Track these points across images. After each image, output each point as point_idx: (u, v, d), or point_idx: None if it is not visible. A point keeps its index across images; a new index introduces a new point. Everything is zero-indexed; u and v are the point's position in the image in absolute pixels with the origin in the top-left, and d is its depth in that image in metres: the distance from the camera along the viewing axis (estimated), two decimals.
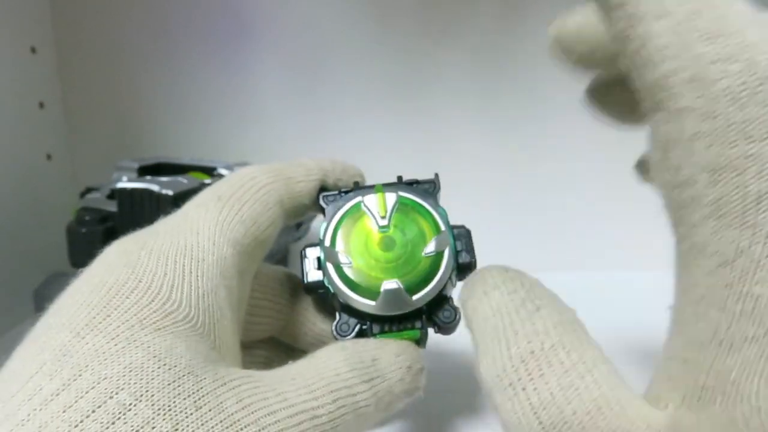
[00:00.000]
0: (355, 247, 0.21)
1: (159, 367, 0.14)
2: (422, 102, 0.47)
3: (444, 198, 0.24)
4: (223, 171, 0.38)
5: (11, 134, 0.40)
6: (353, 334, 0.21)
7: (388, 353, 0.20)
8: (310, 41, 0.46)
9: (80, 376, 0.14)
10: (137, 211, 0.32)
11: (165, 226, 0.19)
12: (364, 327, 0.21)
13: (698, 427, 0.13)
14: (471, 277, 0.19)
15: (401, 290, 0.20)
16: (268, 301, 0.23)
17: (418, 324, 0.21)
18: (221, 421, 0.14)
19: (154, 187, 0.32)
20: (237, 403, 0.15)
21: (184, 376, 0.14)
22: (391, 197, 0.22)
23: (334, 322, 0.21)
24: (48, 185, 0.44)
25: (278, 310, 0.23)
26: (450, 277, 0.21)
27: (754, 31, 0.14)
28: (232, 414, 0.15)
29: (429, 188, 0.23)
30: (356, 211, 0.22)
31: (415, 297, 0.21)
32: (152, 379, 0.14)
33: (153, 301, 0.16)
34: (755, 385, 0.12)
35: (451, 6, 0.45)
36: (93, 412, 0.13)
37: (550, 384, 0.14)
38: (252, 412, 0.15)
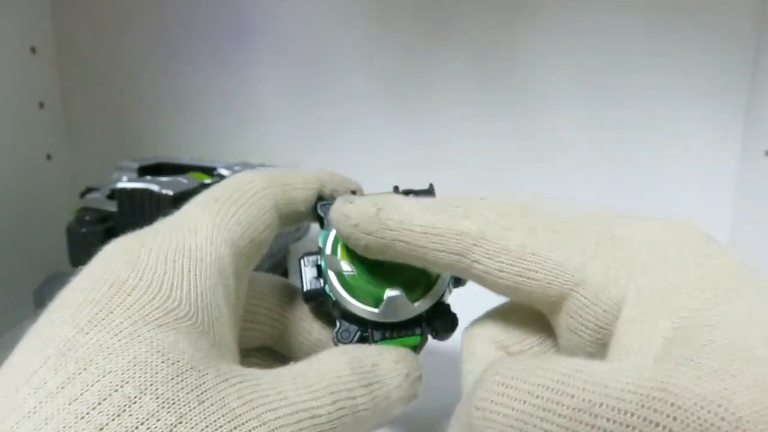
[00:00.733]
0: (356, 256, 0.21)
1: (163, 362, 0.15)
2: (422, 102, 0.47)
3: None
4: (223, 171, 0.38)
5: (11, 134, 0.40)
6: (354, 340, 0.21)
7: (388, 360, 0.20)
8: (310, 41, 0.46)
9: (85, 369, 0.14)
10: (137, 211, 0.32)
11: (163, 226, 0.19)
12: (365, 334, 0.21)
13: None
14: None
15: (403, 297, 0.21)
16: (263, 308, 0.23)
17: (417, 330, 0.22)
18: (224, 416, 0.15)
19: (154, 187, 0.32)
20: (238, 398, 0.15)
21: (187, 371, 0.15)
22: None
23: (335, 329, 0.22)
24: (48, 185, 0.44)
25: (273, 318, 0.23)
26: (448, 285, 0.22)
27: None
28: (234, 409, 0.15)
29: (424, 197, 0.23)
30: None
31: (416, 304, 0.21)
32: (156, 373, 0.14)
33: (155, 298, 0.16)
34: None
35: (450, 6, 0.45)
36: (99, 404, 0.13)
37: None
38: (253, 408, 0.15)
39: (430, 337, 0.22)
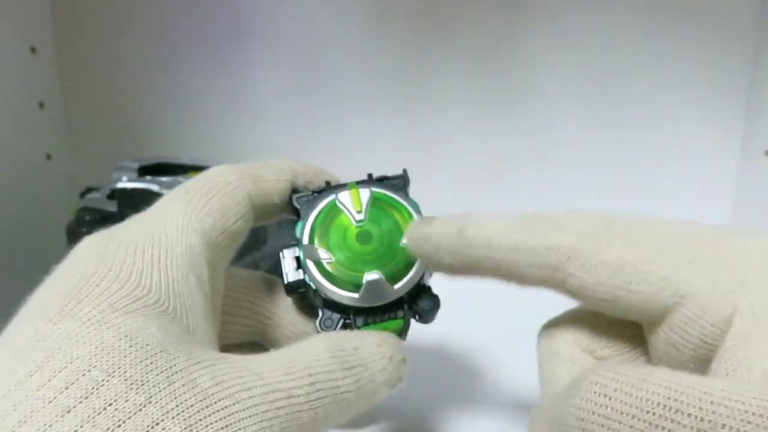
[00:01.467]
0: (334, 243, 0.22)
1: (131, 346, 0.15)
2: (422, 102, 0.47)
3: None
4: None
5: (11, 134, 0.40)
6: (337, 328, 0.22)
7: (370, 343, 0.20)
8: (310, 41, 0.46)
9: (53, 357, 0.14)
10: (137, 211, 0.32)
11: (134, 221, 0.20)
12: (348, 321, 0.22)
13: None
14: None
15: (383, 280, 0.21)
16: (245, 302, 0.23)
17: (400, 313, 0.22)
18: (195, 395, 0.15)
19: (154, 187, 0.32)
20: (211, 379, 0.15)
21: (156, 353, 0.15)
22: (364, 192, 0.23)
23: (318, 318, 0.22)
24: (48, 185, 0.44)
25: (256, 312, 0.24)
26: (427, 266, 0.22)
27: None
28: (206, 389, 0.15)
29: (399, 183, 0.24)
30: (332, 209, 0.23)
31: (396, 286, 0.21)
32: (124, 357, 0.14)
33: (123, 287, 0.16)
34: None
35: (450, 6, 0.45)
36: (66, 388, 0.13)
37: None
38: (226, 388, 0.15)
39: (414, 322, 0.23)
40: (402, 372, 0.21)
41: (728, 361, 0.16)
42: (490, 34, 0.46)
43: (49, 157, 0.44)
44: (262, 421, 0.15)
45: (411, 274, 0.22)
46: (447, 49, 0.46)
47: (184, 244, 0.19)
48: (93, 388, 0.14)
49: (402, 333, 0.22)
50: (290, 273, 0.22)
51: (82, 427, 0.13)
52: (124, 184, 0.33)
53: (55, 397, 0.13)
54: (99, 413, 0.13)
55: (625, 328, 0.20)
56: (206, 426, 0.14)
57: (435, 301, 0.22)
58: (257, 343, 0.24)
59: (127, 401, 0.14)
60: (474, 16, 0.45)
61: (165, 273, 0.17)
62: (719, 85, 0.46)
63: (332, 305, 0.22)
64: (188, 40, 0.46)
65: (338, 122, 0.47)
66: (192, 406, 0.14)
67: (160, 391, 0.14)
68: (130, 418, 0.13)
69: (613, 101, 0.47)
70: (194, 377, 0.15)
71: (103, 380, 0.14)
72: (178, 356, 0.15)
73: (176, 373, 0.15)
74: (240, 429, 0.15)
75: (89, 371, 0.14)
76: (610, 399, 0.14)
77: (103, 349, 0.14)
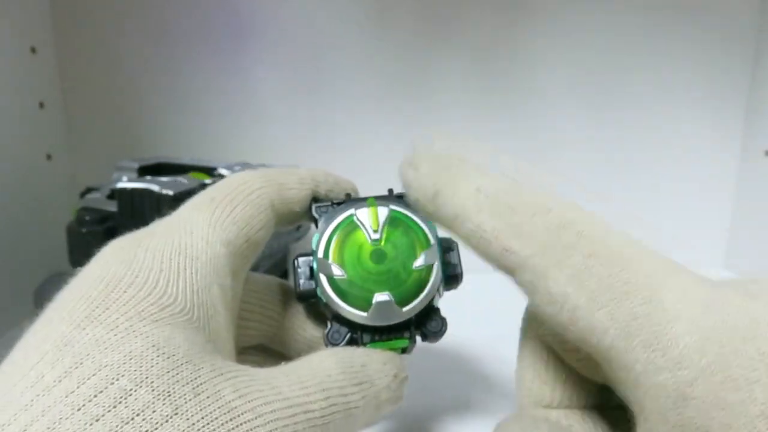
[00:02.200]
0: (348, 259, 0.22)
1: (158, 356, 0.15)
2: (422, 102, 0.47)
3: None
4: (223, 171, 0.38)
5: (11, 134, 0.40)
6: (344, 342, 0.22)
7: (376, 361, 0.20)
8: (310, 41, 0.46)
9: (81, 364, 0.14)
10: (137, 211, 0.32)
11: (160, 226, 0.20)
12: (355, 335, 0.22)
13: None
14: None
15: (392, 303, 0.21)
16: (258, 307, 0.23)
17: (406, 334, 0.22)
18: (219, 407, 0.15)
19: (154, 187, 0.32)
20: (234, 392, 0.15)
21: (182, 364, 0.15)
22: (383, 211, 0.22)
23: (326, 330, 0.22)
24: (48, 185, 0.44)
25: (269, 316, 0.24)
26: (438, 289, 0.22)
27: None
28: (229, 402, 0.15)
29: None
30: (349, 224, 0.22)
31: (404, 309, 0.21)
32: (151, 366, 0.14)
33: (150, 294, 0.16)
34: (717, 416, 0.14)
35: (450, 6, 0.45)
36: (95, 396, 0.13)
37: None
38: (248, 401, 0.15)
39: (419, 340, 0.23)
40: (403, 391, 0.21)
41: None
42: (490, 34, 0.46)
43: (49, 157, 0.44)
44: None
45: (420, 297, 0.22)
46: (447, 49, 0.46)
47: (210, 254, 0.19)
48: (121, 397, 0.14)
49: (407, 350, 0.23)
50: (303, 282, 0.22)
51: None
52: (124, 184, 0.33)
53: (83, 405, 0.13)
54: (127, 423, 0.13)
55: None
56: None
57: (442, 323, 0.22)
58: (263, 345, 0.25)
59: (154, 412, 0.14)
60: (474, 17, 0.45)
61: (190, 282, 0.18)
62: (719, 85, 0.46)
63: (341, 319, 0.22)
64: (188, 40, 0.46)
65: (338, 122, 0.47)
66: (217, 418, 0.14)
67: (186, 402, 0.14)
68: (156, 429, 0.13)
69: (613, 101, 0.47)
70: (218, 389, 0.15)
71: (131, 390, 0.14)
72: (203, 367, 0.15)
73: (201, 384, 0.15)
74: None
75: (118, 380, 0.14)
76: None
77: (131, 358, 0.14)
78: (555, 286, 0.17)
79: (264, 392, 0.16)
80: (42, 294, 0.34)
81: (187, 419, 0.14)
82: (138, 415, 0.13)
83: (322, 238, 0.22)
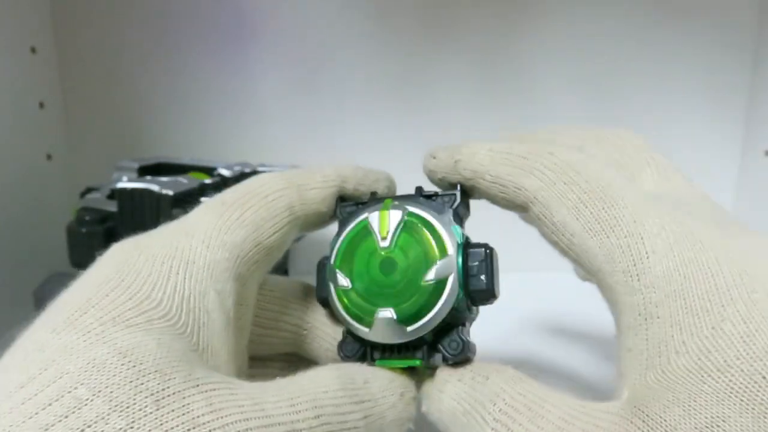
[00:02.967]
0: (357, 269, 0.20)
1: (123, 364, 0.14)
2: (422, 102, 0.47)
3: None
4: (223, 171, 0.38)
5: (11, 134, 0.40)
6: (357, 355, 0.20)
7: (381, 378, 0.19)
8: (310, 41, 0.46)
9: (46, 370, 0.14)
10: (137, 211, 0.32)
11: (166, 228, 0.19)
12: (367, 349, 0.20)
13: (649, 392, 0.15)
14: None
15: (394, 321, 0.19)
16: (283, 314, 0.23)
17: (418, 354, 0.20)
18: (183, 423, 0.14)
19: (154, 187, 0.32)
20: (206, 406, 0.14)
21: (150, 374, 0.14)
22: (395, 215, 0.20)
23: (339, 342, 0.21)
24: (48, 185, 0.44)
25: (294, 324, 0.23)
26: (454, 307, 0.19)
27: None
28: (197, 417, 0.14)
29: (449, 201, 0.21)
30: (362, 229, 0.21)
31: (409, 328, 0.19)
32: (113, 375, 0.14)
33: (131, 299, 0.16)
34: (675, 335, 0.16)
35: (451, 7, 0.45)
36: (49, 405, 0.13)
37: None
38: (221, 417, 0.14)
39: (438, 360, 0.20)
40: (411, 411, 0.20)
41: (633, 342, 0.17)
42: (491, 34, 0.46)
43: (49, 157, 0.44)
44: None
45: (428, 317, 0.19)
46: (448, 51, 0.46)
47: (208, 258, 0.18)
48: (75, 407, 0.13)
49: (423, 373, 0.20)
50: (321, 288, 0.21)
51: None
52: (124, 184, 0.33)
53: (36, 413, 0.13)
54: None
55: None
56: None
57: (463, 345, 0.19)
58: (296, 354, 0.24)
59: (107, 424, 0.13)
60: (474, 17, 0.45)
61: (181, 287, 0.17)
62: (719, 85, 0.46)
63: (350, 332, 0.20)
64: (188, 40, 0.46)
65: (338, 122, 0.47)
66: None
67: (144, 416, 0.13)
68: None
69: (613, 101, 0.47)
70: (187, 402, 0.14)
71: (87, 399, 0.13)
72: (173, 377, 0.14)
73: (167, 396, 0.14)
74: None
75: (76, 388, 0.13)
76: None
77: (94, 366, 0.14)
78: (557, 215, 0.19)
79: (243, 407, 0.15)
80: (42, 294, 0.34)
81: None
82: (89, 426, 0.13)
83: (337, 242, 0.21)
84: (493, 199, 0.21)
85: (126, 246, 0.18)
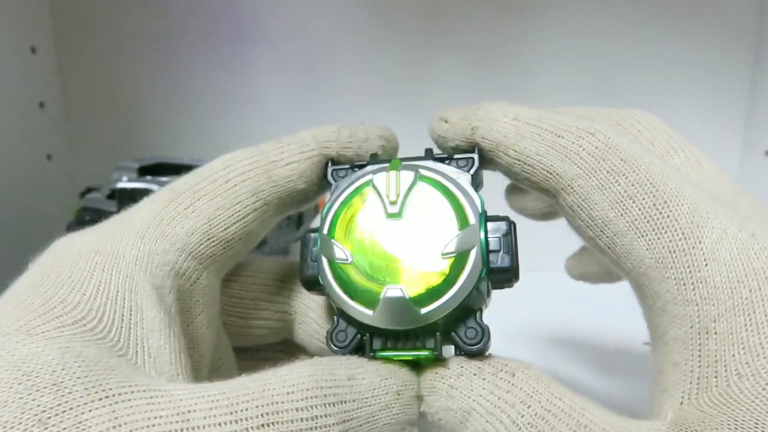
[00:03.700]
0: (358, 240, 0.17)
1: (15, 378, 0.13)
2: (423, 100, 0.47)
3: None
4: None
5: (11, 134, 0.40)
6: (352, 346, 0.17)
7: (372, 373, 0.16)
8: (310, 41, 0.46)
9: None
10: None
11: (109, 220, 0.18)
12: (365, 338, 0.16)
13: (703, 416, 0.14)
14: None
15: (406, 300, 0.15)
16: (263, 300, 0.21)
17: (429, 343, 0.16)
18: None
19: (154, 187, 0.32)
20: (109, 420, 0.12)
21: (45, 388, 0.13)
22: (406, 176, 0.17)
23: (329, 329, 0.17)
24: (48, 185, 0.44)
25: (278, 310, 0.21)
26: (476, 287, 0.16)
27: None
28: None
29: (465, 165, 0.18)
30: (363, 193, 0.17)
31: (424, 310, 0.16)
32: (2, 392, 0.12)
33: (43, 304, 0.15)
34: (737, 354, 0.14)
35: (450, 7, 0.45)
36: None
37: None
38: None
39: (451, 352, 0.16)
40: (412, 413, 0.16)
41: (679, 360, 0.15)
42: (491, 34, 0.46)
43: (49, 157, 0.44)
44: None
45: (447, 296, 0.15)
46: (447, 50, 0.46)
47: (141, 250, 0.16)
48: None
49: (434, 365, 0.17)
50: (308, 265, 0.17)
51: None
52: (124, 184, 0.33)
53: None
54: None
55: None
56: None
57: (482, 334, 0.16)
58: (292, 342, 0.22)
59: None
60: (474, 17, 0.45)
61: (106, 284, 0.15)
62: (719, 85, 0.46)
63: (346, 316, 0.17)
64: (188, 40, 0.46)
65: (338, 122, 0.47)
66: None
67: None
68: None
69: (613, 101, 0.47)
70: (84, 419, 0.12)
71: None
72: (73, 391, 0.13)
73: (59, 414, 0.12)
74: None
75: None
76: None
77: None
78: (597, 209, 0.17)
79: (161, 419, 0.13)
80: None
81: None
82: None
83: (330, 210, 0.17)
84: (514, 177, 0.18)
85: (58, 246, 0.17)
